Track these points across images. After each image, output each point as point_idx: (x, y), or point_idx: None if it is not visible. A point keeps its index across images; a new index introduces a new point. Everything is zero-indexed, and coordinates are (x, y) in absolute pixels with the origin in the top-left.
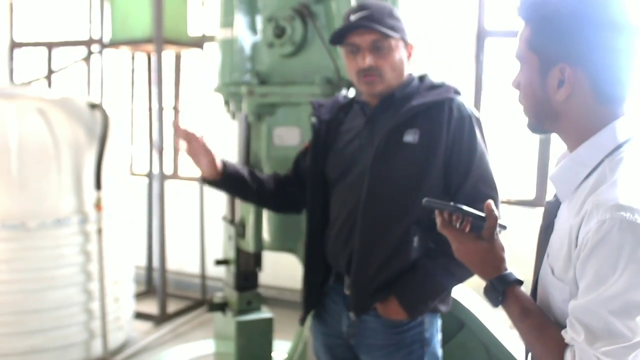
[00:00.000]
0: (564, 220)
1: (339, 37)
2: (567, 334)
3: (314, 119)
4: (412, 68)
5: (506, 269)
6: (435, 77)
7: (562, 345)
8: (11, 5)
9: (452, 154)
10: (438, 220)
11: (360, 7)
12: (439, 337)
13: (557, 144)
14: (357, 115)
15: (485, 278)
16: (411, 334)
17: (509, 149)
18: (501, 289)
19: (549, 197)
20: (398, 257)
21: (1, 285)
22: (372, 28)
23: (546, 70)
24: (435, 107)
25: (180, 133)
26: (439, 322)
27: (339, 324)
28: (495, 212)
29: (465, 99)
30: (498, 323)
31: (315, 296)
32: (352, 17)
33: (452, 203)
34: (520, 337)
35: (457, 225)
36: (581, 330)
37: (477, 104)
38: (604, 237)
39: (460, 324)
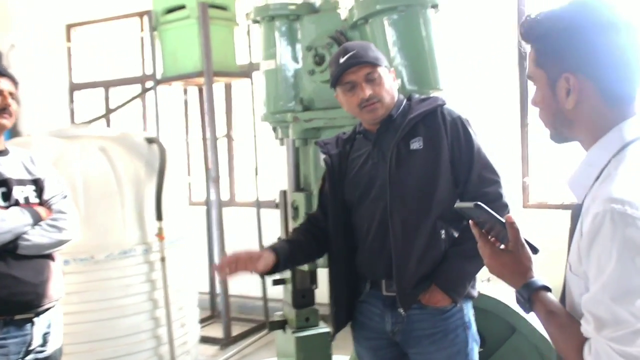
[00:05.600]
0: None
1: (336, 79)
2: (583, 327)
3: (325, 156)
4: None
5: (532, 277)
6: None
7: (582, 341)
8: (69, 50)
9: (454, 151)
10: (475, 232)
11: (345, 50)
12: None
13: None
14: (362, 144)
15: (514, 287)
16: (454, 320)
17: (559, 158)
18: (527, 295)
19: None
20: (431, 250)
21: (74, 316)
22: (365, 63)
23: (554, 83)
24: (429, 115)
25: (221, 269)
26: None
27: (381, 326)
28: (515, 224)
29: (451, 106)
30: None
31: (343, 312)
32: (342, 60)
33: (473, 204)
34: (549, 338)
35: (489, 236)
36: (591, 320)
37: (523, 121)
38: (598, 229)
39: (512, 329)
